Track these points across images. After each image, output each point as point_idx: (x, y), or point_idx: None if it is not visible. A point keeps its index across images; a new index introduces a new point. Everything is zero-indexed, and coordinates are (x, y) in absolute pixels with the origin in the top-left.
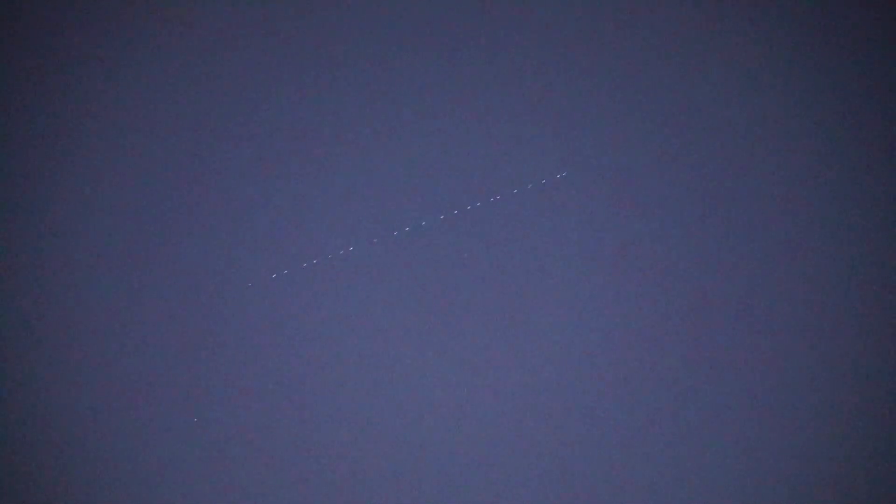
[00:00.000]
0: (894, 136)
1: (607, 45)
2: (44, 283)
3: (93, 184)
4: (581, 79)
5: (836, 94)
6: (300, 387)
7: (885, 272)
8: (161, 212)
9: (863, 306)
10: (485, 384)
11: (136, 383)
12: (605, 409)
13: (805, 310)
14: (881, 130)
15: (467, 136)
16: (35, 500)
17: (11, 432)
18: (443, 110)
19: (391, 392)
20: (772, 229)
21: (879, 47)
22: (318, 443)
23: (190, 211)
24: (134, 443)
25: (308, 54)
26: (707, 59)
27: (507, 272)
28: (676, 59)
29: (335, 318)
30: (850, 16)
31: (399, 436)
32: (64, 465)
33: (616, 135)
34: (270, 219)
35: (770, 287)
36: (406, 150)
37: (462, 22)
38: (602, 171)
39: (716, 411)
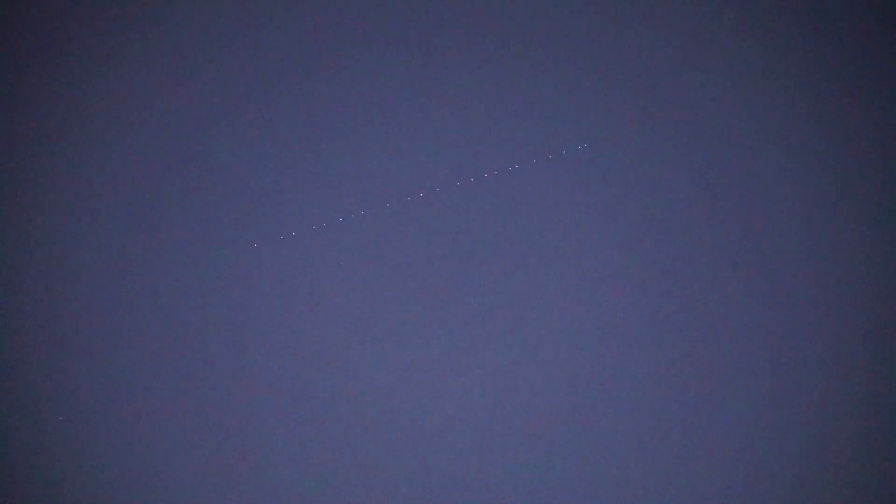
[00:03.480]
0: (894, 135)
1: (612, 24)
2: (42, 255)
3: (93, 158)
4: (587, 55)
5: (838, 92)
6: (291, 368)
7: (885, 272)
8: (146, 205)
9: (863, 306)
10: (483, 362)
11: (126, 376)
12: (606, 395)
13: (808, 306)
14: (882, 130)
15: (472, 110)
16: (35, 500)
17: (10, 430)
18: (447, 83)
19: (386, 371)
20: (774, 219)
21: (880, 47)
22: (306, 423)
23: (180, 198)
24: (132, 432)
25: (307, 27)
26: (714, 50)
27: (509, 247)
28: (680, 44)
29: (331, 287)
30: (851, 16)
31: (393, 420)
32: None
33: (625, 113)
34: (273, 186)
35: (773, 277)
36: (413, 121)
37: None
38: (608, 149)
39: (718, 403)
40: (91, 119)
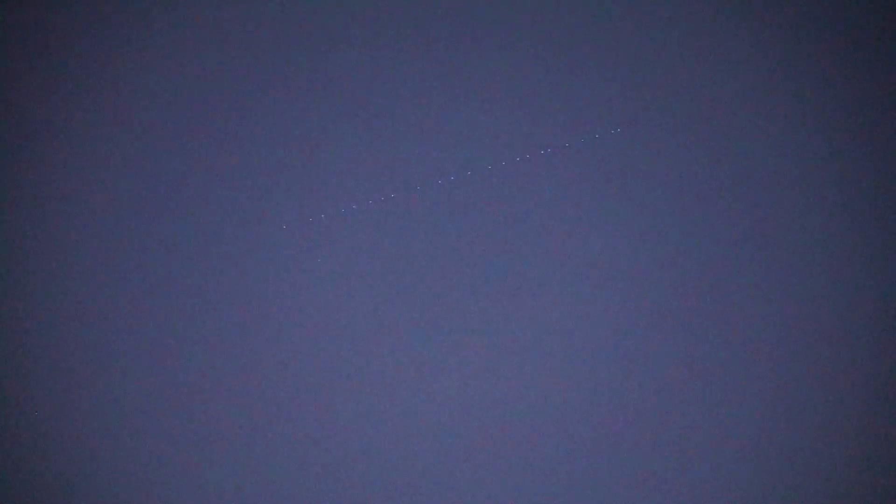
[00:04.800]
0: (894, 136)
1: (613, 22)
2: (47, 250)
3: (106, 153)
4: (587, 51)
5: (840, 92)
6: (291, 362)
7: (885, 273)
8: (145, 205)
9: (863, 307)
10: (483, 361)
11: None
12: (606, 394)
13: (809, 307)
14: (881, 131)
15: (470, 105)
16: (34, 499)
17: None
18: (449, 76)
19: (384, 369)
20: (776, 218)
21: (879, 47)
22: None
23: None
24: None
25: (305, 25)
26: (717, 49)
27: (507, 243)
28: (681, 41)
29: (330, 284)
30: (851, 16)
31: (391, 418)
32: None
33: (625, 108)
34: (270, 182)
35: (774, 277)
36: (413, 115)
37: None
38: (608, 145)
39: (718, 404)
40: (93, 117)
